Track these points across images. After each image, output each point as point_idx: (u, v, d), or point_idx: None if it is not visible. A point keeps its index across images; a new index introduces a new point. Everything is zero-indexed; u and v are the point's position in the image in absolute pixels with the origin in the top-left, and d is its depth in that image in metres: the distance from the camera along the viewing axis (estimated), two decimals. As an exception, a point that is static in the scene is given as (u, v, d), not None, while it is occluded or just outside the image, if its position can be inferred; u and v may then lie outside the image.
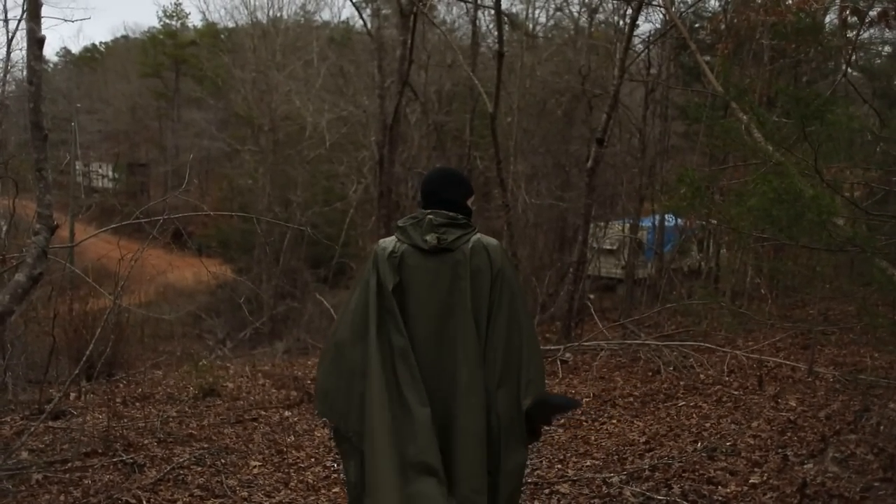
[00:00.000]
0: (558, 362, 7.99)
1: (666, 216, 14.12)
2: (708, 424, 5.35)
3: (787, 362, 7.24)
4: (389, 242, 2.73)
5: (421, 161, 16.99)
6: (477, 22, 14.99)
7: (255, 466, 5.07)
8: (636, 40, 15.28)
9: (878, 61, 12.97)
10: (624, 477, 4.48)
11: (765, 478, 4.26)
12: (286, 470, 5.03)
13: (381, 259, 2.68)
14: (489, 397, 2.61)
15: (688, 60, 15.77)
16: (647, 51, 13.34)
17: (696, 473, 4.38)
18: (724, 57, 11.19)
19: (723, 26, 13.88)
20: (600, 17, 16.91)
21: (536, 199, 12.56)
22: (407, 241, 2.69)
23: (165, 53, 43.43)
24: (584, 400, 6.43)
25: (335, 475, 4.86)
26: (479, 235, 2.71)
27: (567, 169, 14.24)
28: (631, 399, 6.56)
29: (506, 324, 2.63)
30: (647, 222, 15.10)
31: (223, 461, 5.16)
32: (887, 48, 12.84)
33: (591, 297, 15.15)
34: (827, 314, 9.61)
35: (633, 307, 12.78)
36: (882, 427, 5.07)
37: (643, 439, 5.28)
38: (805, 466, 4.29)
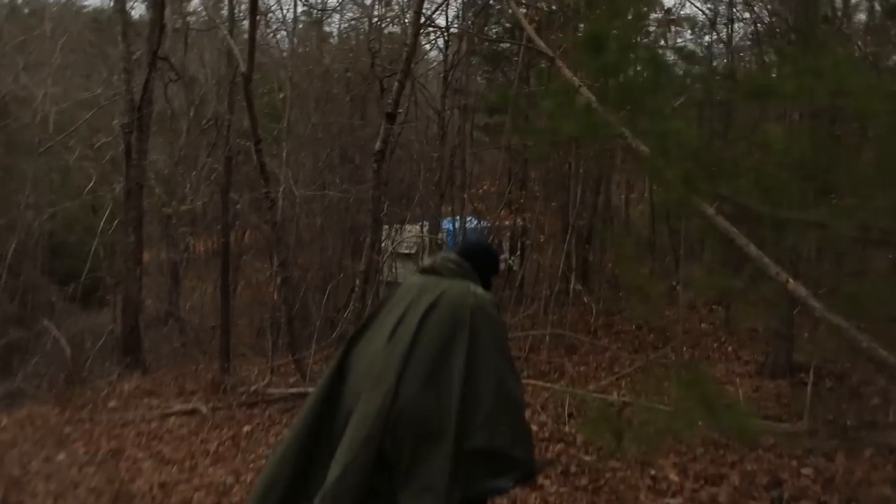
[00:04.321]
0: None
1: (468, 217, 12.69)
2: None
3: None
4: None
5: (201, 158, 14.20)
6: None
7: None
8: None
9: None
10: None
11: None
12: None
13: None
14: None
15: (485, 48, 14.71)
16: (444, 5, 11.69)
17: None
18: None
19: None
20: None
21: (310, 191, 10.39)
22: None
23: None
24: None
25: None
26: (470, 283, 2.64)
27: (359, 161, 12.24)
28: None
29: (433, 376, 2.43)
30: (448, 224, 13.57)
31: None
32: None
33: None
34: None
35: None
36: None
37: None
38: None
